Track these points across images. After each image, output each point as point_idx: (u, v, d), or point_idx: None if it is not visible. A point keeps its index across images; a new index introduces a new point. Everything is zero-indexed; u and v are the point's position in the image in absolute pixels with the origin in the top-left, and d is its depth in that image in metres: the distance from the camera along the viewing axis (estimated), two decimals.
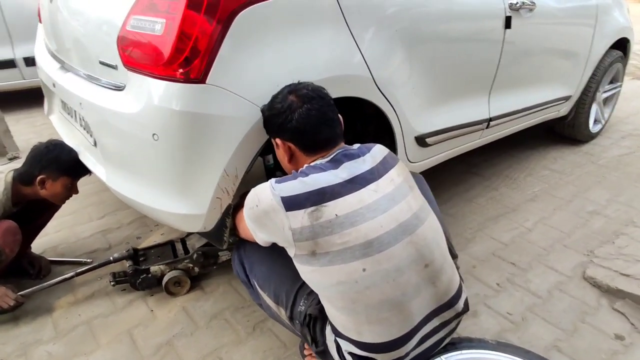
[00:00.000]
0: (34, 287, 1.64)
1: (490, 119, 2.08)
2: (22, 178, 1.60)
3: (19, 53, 3.68)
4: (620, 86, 3.12)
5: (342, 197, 1.02)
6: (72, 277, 1.67)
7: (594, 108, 2.93)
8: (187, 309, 1.65)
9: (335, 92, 1.32)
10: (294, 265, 1.08)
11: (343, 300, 1.03)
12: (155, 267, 1.66)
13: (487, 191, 2.48)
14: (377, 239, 1.00)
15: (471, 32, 1.76)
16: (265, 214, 1.05)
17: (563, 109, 2.71)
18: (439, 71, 1.70)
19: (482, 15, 1.78)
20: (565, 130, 2.97)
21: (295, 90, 1.14)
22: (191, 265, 1.72)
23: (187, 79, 1.12)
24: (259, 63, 1.18)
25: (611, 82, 3.02)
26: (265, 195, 1.04)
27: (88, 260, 1.87)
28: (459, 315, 1.16)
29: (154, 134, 1.17)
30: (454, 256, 1.42)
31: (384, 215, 1.02)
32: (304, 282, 1.12)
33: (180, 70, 1.11)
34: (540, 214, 2.25)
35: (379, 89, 1.46)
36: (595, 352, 1.47)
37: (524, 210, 2.29)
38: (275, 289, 1.23)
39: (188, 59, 1.10)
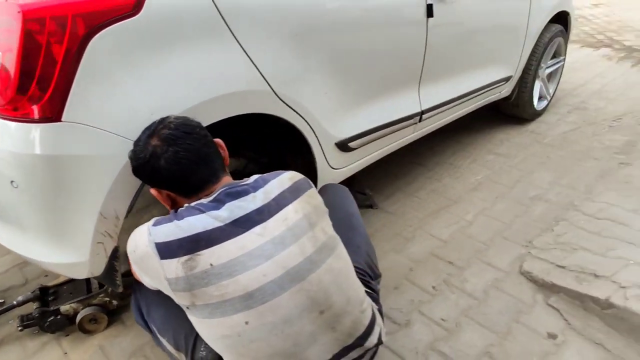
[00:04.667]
0: None
1: (423, 112, 1.99)
2: None
3: None
4: (564, 60, 3.07)
5: (219, 243, 0.91)
6: None
7: (538, 85, 2.88)
8: (105, 348, 1.54)
9: (230, 111, 1.22)
10: None
11: (231, 354, 0.94)
12: (65, 306, 1.54)
13: (429, 183, 2.41)
14: (259, 289, 0.90)
15: (387, 27, 1.65)
16: (142, 260, 0.95)
17: (504, 90, 2.65)
18: (354, 72, 1.59)
19: (396, 8, 1.66)
20: (510, 110, 2.92)
21: (156, 132, 0.99)
22: (108, 299, 1.60)
23: (38, 119, 0.98)
24: (126, 91, 1.04)
25: (554, 57, 2.96)
26: (142, 240, 0.94)
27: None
28: (370, 349, 1.08)
29: (12, 181, 1.04)
30: (376, 277, 1.34)
31: (269, 262, 0.92)
32: None
33: (28, 110, 0.97)
34: (482, 204, 2.19)
35: (283, 102, 1.34)
36: (527, 356, 1.43)
37: (466, 201, 2.23)
38: (174, 333, 1.13)
39: (35, 95, 0.96)
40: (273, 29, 1.28)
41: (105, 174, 1.05)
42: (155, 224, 0.95)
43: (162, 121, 1.01)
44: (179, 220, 0.94)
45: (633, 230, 1.85)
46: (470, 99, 2.30)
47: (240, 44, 1.20)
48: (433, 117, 2.10)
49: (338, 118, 1.59)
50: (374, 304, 1.19)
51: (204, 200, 0.99)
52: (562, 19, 2.87)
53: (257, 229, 0.94)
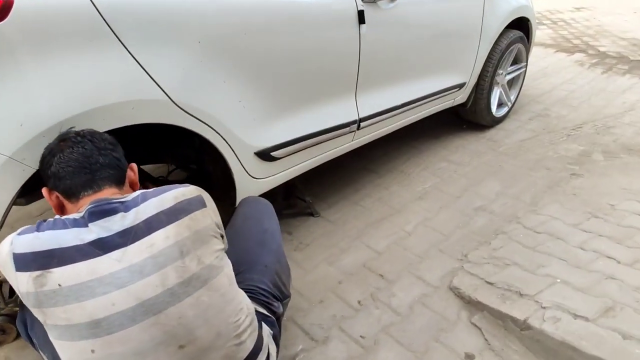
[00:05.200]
0: None
1: (361, 120, 1.94)
2: None
3: None
4: (525, 67, 3.02)
5: (72, 264, 0.86)
6: None
7: (497, 91, 2.83)
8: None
9: (121, 121, 1.17)
10: None
11: None
12: None
13: (377, 190, 2.36)
14: (105, 319, 0.85)
15: (312, 35, 1.59)
16: (4, 269, 0.90)
17: (459, 97, 2.60)
18: (275, 80, 1.54)
19: (323, 14, 1.60)
20: (468, 116, 2.87)
21: (65, 135, 1.02)
22: (17, 308, 1.54)
23: None
24: None
25: (514, 63, 2.91)
26: (4, 249, 0.89)
27: None
28: None
29: None
30: (284, 297, 1.29)
31: (120, 291, 0.86)
32: None
33: None
34: (425, 214, 2.15)
35: (185, 111, 1.28)
36: None
37: (409, 210, 2.18)
38: (53, 350, 1.08)
39: None
40: (170, 35, 1.22)
41: None
42: (20, 233, 0.90)
43: (80, 130, 1.04)
44: (40, 232, 0.89)
45: (568, 246, 1.81)
46: (417, 107, 2.25)
47: (128, 51, 1.14)
48: (375, 125, 2.05)
49: (257, 127, 1.53)
50: (267, 329, 1.14)
51: (76, 215, 0.94)
52: (523, 24, 2.82)
53: (116, 253, 0.88)
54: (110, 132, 1.15)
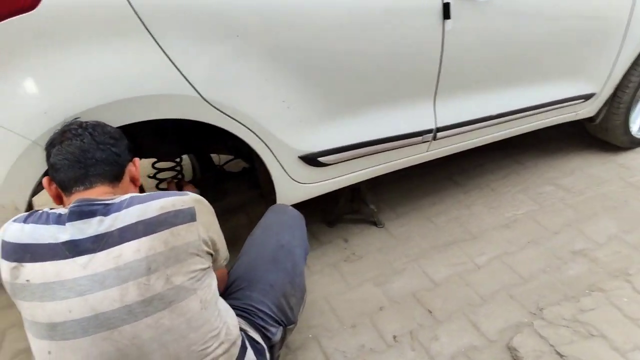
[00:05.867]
0: None
1: (439, 129, 1.68)
2: None
3: None
4: None
5: (42, 262, 0.85)
6: None
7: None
8: None
9: (147, 115, 1.16)
10: None
11: None
12: None
13: (456, 207, 2.07)
14: (61, 324, 0.83)
15: (380, 29, 1.38)
16: None
17: (584, 110, 2.12)
18: (330, 81, 1.38)
19: (396, 5, 1.38)
20: (596, 133, 2.35)
21: (68, 126, 1.01)
22: None
23: None
24: (17, 89, 1.03)
25: None
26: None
27: None
28: None
29: None
30: (288, 322, 1.19)
31: (78, 299, 0.83)
32: None
33: None
34: (506, 246, 1.82)
35: (216, 108, 1.22)
36: None
37: (487, 239, 1.87)
38: None
39: None
40: (203, 28, 1.14)
41: None
42: (14, 220, 0.93)
43: (85, 121, 1.03)
44: (26, 223, 0.90)
45: None
46: (518, 119, 1.88)
47: (157, 43, 1.10)
48: (457, 137, 1.77)
49: (304, 130, 1.41)
50: (251, 357, 1.04)
51: (62, 210, 0.94)
52: None
53: (83, 258, 0.85)
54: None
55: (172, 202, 0.92)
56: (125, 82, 1.10)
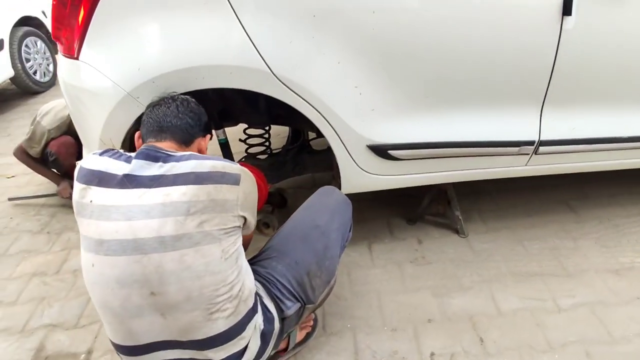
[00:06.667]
0: None
1: (542, 143, 1.46)
2: None
3: None
4: None
5: (106, 187, 1.02)
6: None
7: None
8: None
9: (214, 83, 1.26)
10: None
11: (86, 284, 1.07)
12: None
13: (558, 237, 1.79)
14: (107, 242, 0.98)
15: (479, 19, 1.23)
16: None
17: None
18: (414, 73, 1.31)
19: None
20: None
21: (164, 95, 1.21)
22: None
23: (67, 55, 1.27)
24: (122, 46, 1.21)
25: None
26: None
27: None
28: None
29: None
30: (308, 301, 1.21)
31: (125, 223, 0.97)
32: None
33: (62, 47, 1.27)
34: (605, 296, 1.52)
35: (286, 85, 1.25)
36: None
37: (584, 281, 1.58)
38: None
39: (63, 38, 1.24)
40: (282, 4, 1.18)
41: (102, 108, 1.27)
42: (94, 153, 1.11)
43: (177, 95, 1.22)
44: (101, 156, 1.08)
45: None
46: None
47: (237, 16, 1.17)
48: (566, 155, 1.51)
49: (375, 118, 1.36)
50: (257, 323, 1.09)
51: (132, 154, 1.10)
52: None
53: (139, 191, 0.99)
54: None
55: (223, 165, 1.04)
56: (205, 51, 1.21)
